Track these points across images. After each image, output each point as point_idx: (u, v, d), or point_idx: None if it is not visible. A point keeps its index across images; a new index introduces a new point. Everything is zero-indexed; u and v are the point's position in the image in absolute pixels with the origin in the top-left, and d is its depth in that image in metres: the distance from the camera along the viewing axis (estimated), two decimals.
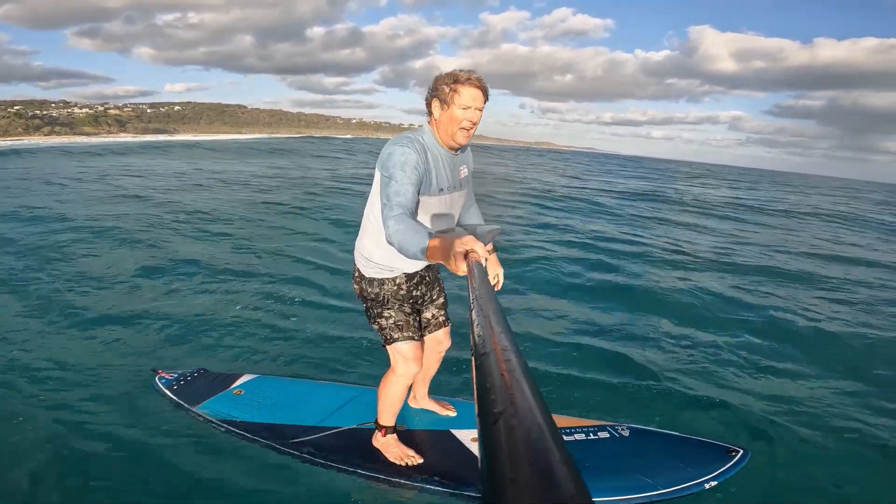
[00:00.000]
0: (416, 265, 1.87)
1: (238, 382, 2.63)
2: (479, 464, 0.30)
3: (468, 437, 2.18)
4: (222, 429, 2.31)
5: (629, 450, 2.05)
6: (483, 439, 0.32)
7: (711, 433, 2.30)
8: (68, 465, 2.31)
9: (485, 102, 1.67)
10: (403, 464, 2.00)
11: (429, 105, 1.70)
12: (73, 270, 5.10)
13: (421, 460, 2.02)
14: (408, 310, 1.92)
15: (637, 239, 8.76)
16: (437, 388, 2.50)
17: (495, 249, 2.08)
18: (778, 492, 2.24)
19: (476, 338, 0.52)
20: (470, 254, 1.06)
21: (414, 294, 1.95)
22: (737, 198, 20.14)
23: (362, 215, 1.88)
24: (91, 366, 3.12)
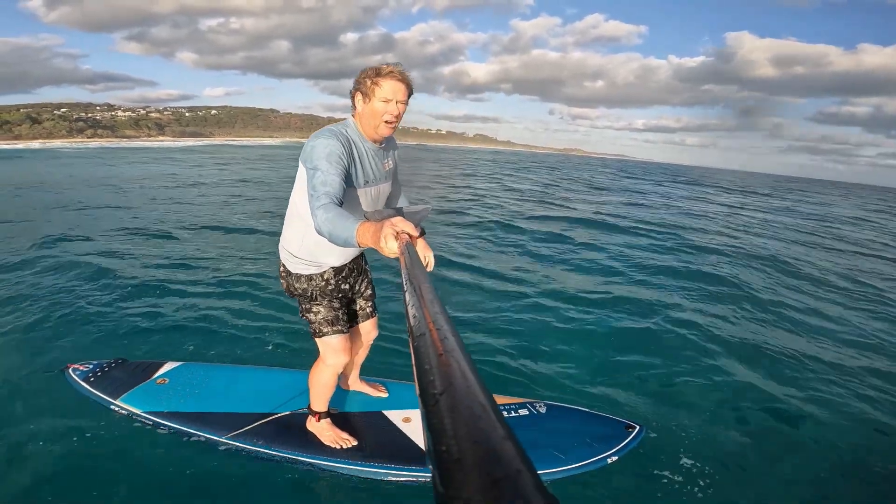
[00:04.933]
0: (343, 258, 1.87)
1: (161, 371, 2.50)
2: (425, 445, 0.30)
3: (399, 418, 2.26)
4: (150, 423, 2.21)
5: (545, 426, 2.21)
6: (426, 421, 0.32)
7: (616, 410, 2.55)
8: None
9: (409, 96, 1.66)
10: (338, 447, 2.07)
11: (353, 98, 1.69)
12: None
13: (355, 443, 2.09)
14: (336, 304, 1.93)
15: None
16: (370, 370, 2.57)
17: (423, 233, 2.00)
18: (671, 464, 2.40)
19: (411, 319, 0.52)
20: (400, 234, 1.04)
21: (342, 287, 1.95)
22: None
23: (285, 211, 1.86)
24: None
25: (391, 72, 1.61)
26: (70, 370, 2.51)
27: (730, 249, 8.08)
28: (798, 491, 2.36)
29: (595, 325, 4.13)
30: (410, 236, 1.05)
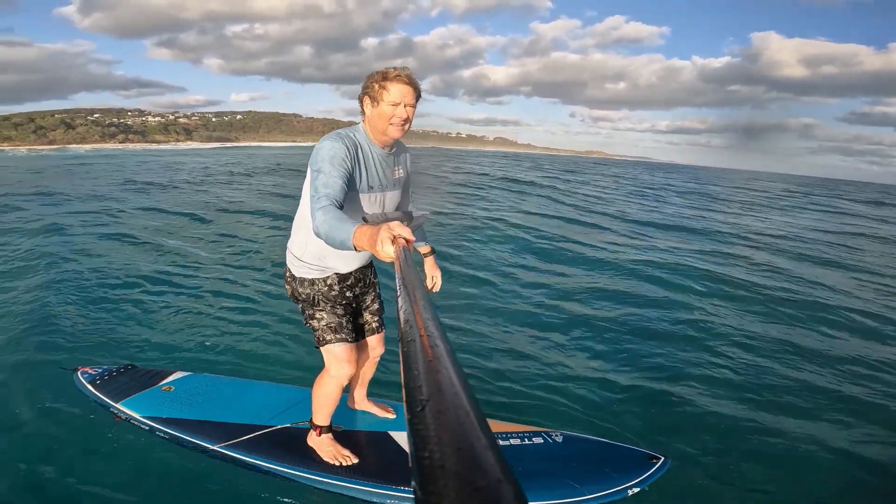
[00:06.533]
0: (349, 265, 1.86)
1: (169, 379, 2.51)
2: (409, 452, 0.30)
3: (406, 440, 2.03)
4: (146, 427, 2.21)
5: (561, 455, 2.11)
6: (411, 426, 0.32)
7: (638, 440, 2.43)
8: None
9: (417, 99, 1.65)
10: (337, 463, 1.99)
11: (361, 103, 1.68)
12: None
13: (356, 460, 2.01)
14: (340, 311, 1.89)
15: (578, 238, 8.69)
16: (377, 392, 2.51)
17: (433, 252, 2.06)
18: (696, 497, 2.33)
19: (402, 324, 0.51)
20: (397, 238, 1.04)
21: (347, 295, 1.91)
22: None
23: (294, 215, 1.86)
24: (2, 366, 2.97)
25: (398, 75, 1.60)
26: (79, 372, 2.54)
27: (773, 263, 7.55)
28: None
29: (619, 350, 3.90)
30: (407, 241, 1.05)
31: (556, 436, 2.24)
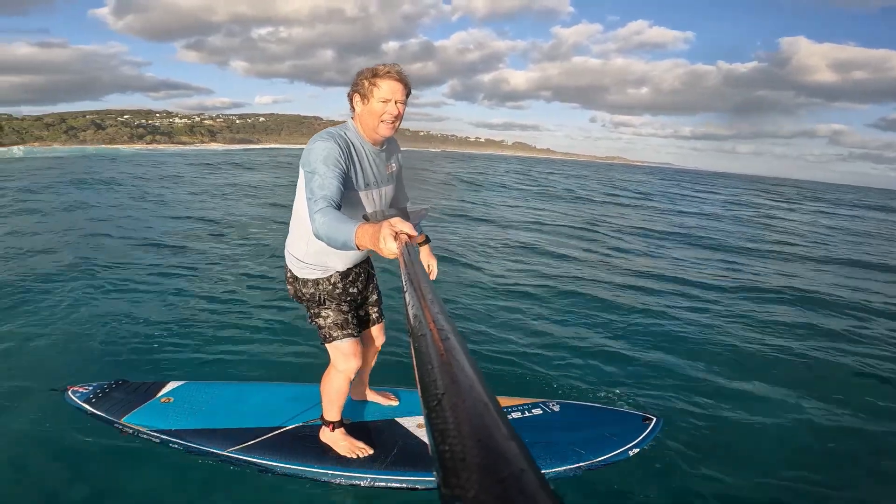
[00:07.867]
0: (350, 262, 1.87)
1: (165, 390, 2.46)
2: (429, 447, 0.30)
3: (413, 424, 2.24)
4: (158, 440, 2.17)
5: (560, 424, 2.22)
6: (429, 421, 0.31)
7: (630, 403, 2.60)
8: None
9: (407, 95, 1.65)
10: (354, 456, 2.04)
11: (350, 100, 1.67)
12: None
13: (371, 451, 2.06)
14: (345, 308, 1.92)
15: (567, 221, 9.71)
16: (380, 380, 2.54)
17: (427, 241, 2.10)
18: (691, 453, 2.43)
19: (412, 319, 0.51)
20: (399, 235, 1.04)
21: (350, 291, 1.94)
22: None
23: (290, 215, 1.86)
24: None
25: (388, 72, 1.59)
26: (70, 392, 2.44)
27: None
28: (812, 479, 2.32)
29: (604, 319, 4.17)
30: (410, 236, 1.04)
31: (553, 405, 2.35)
